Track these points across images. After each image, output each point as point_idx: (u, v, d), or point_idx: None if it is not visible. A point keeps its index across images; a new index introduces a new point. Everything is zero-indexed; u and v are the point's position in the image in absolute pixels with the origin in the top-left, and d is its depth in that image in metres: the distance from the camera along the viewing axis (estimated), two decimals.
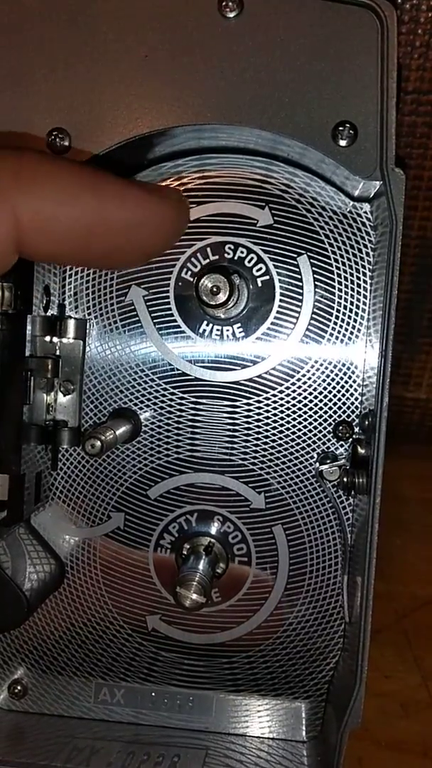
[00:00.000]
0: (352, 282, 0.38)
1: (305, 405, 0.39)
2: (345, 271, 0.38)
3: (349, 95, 0.34)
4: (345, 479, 0.37)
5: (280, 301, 0.38)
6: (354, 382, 0.38)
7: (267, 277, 0.38)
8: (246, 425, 0.39)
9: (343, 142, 0.34)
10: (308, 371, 0.39)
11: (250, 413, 0.39)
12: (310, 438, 0.39)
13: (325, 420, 0.39)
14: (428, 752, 0.44)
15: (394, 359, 0.34)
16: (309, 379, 0.39)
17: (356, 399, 0.39)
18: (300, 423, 0.39)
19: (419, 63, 0.43)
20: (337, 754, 0.36)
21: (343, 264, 0.38)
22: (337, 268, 0.38)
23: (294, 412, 0.39)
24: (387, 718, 0.46)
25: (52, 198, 0.24)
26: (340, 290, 0.38)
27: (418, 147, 0.45)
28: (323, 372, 0.39)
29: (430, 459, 0.57)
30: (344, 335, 0.38)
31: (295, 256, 0.38)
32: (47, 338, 0.38)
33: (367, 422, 0.37)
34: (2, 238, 0.24)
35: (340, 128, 0.34)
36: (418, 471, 0.57)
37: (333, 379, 0.39)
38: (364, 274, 0.38)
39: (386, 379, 0.34)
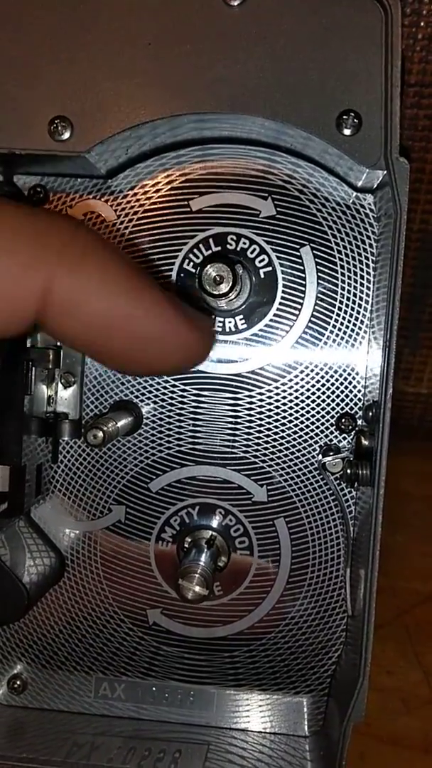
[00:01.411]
0: (355, 273, 0.38)
1: (308, 397, 0.39)
2: (348, 263, 0.38)
3: (354, 84, 0.34)
4: (348, 471, 0.37)
5: (283, 292, 0.38)
6: (357, 374, 0.38)
7: (269, 269, 0.38)
8: (248, 418, 0.39)
9: (347, 131, 0.34)
10: (310, 363, 0.38)
11: (252, 405, 0.39)
12: (312, 430, 0.39)
13: (328, 412, 0.39)
14: (429, 748, 0.44)
15: (396, 353, 0.34)
16: (311, 371, 0.38)
17: (359, 391, 0.38)
18: (302, 415, 0.39)
19: (422, 56, 0.43)
20: (340, 748, 0.35)
21: (346, 255, 0.38)
22: (340, 259, 0.38)
23: (296, 405, 0.39)
24: (388, 714, 0.46)
25: (91, 285, 0.23)
26: (342, 282, 0.38)
27: (420, 140, 0.45)
28: (326, 364, 0.38)
29: (430, 455, 0.57)
30: (347, 327, 0.38)
31: (298, 247, 0.38)
32: None
33: (370, 414, 0.37)
34: (26, 305, 0.23)
35: (345, 117, 0.34)
36: (420, 467, 0.57)
37: (335, 372, 0.38)
38: (367, 266, 0.38)
39: (390, 370, 0.33)
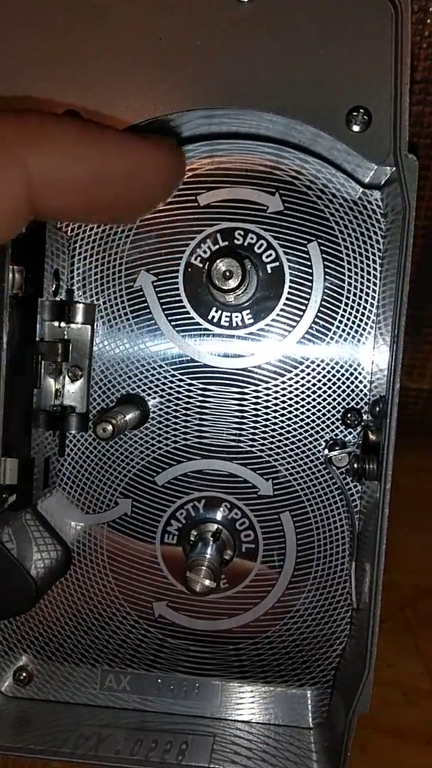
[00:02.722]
0: (361, 269, 0.38)
1: (314, 392, 0.39)
2: (355, 258, 0.38)
3: (363, 80, 0.34)
4: (355, 465, 0.37)
5: (290, 287, 0.38)
6: (363, 369, 0.39)
7: (277, 264, 0.38)
8: (254, 412, 0.39)
9: (356, 128, 0.34)
10: (317, 358, 0.39)
11: (259, 400, 0.39)
12: (318, 425, 0.39)
13: (334, 407, 0.39)
14: (431, 740, 0.44)
15: None
16: (318, 366, 0.39)
17: (365, 386, 0.39)
18: (308, 410, 0.39)
19: (428, 53, 0.44)
20: (345, 740, 0.36)
21: (353, 251, 0.38)
22: (347, 255, 0.38)
23: (303, 399, 0.39)
24: (390, 707, 0.46)
25: (59, 152, 0.25)
26: (349, 277, 0.38)
27: (426, 137, 0.45)
28: (332, 359, 0.39)
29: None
30: (353, 323, 0.38)
31: (305, 242, 0.38)
32: (56, 323, 0.38)
33: (377, 409, 0.37)
34: (18, 195, 0.24)
35: (354, 113, 0.34)
36: (421, 463, 0.57)
37: (342, 367, 0.39)
38: (374, 262, 0.38)
39: (398, 365, 0.34)
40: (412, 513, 0.54)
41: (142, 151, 0.27)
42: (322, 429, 0.39)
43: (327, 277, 0.38)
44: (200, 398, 0.39)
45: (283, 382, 0.39)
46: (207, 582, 0.36)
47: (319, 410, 0.39)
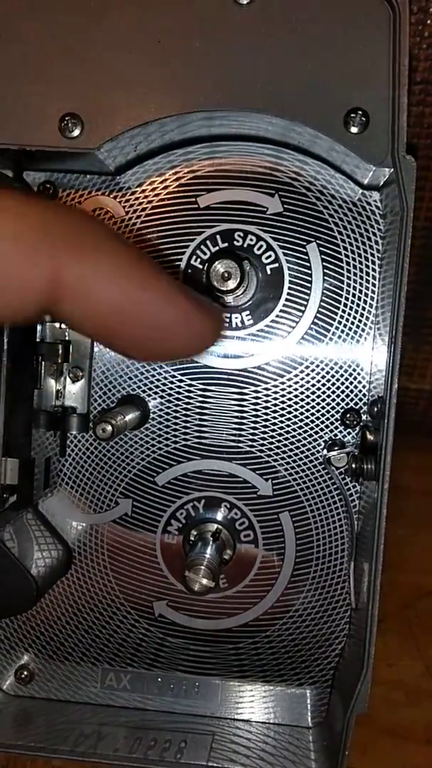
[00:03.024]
0: (360, 270, 0.38)
1: (313, 393, 0.39)
2: (354, 259, 0.38)
3: (361, 82, 0.34)
4: (353, 465, 0.37)
5: (289, 288, 0.39)
6: (362, 370, 0.39)
7: (276, 265, 0.38)
8: (254, 412, 0.39)
9: (354, 129, 0.34)
10: (316, 359, 0.39)
11: (258, 400, 0.39)
12: (317, 425, 0.39)
13: (333, 408, 0.39)
14: (431, 739, 0.44)
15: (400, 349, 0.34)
16: (317, 367, 0.39)
17: (364, 387, 0.39)
18: (307, 410, 0.39)
19: (428, 53, 0.44)
20: (343, 739, 0.36)
21: (352, 252, 0.38)
22: (346, 256, 0.38)
23: (302, 400, 0.39)
24: (391, 707, 0.46)
25: (101, 272, 0.24)
26: (348, 278, 0.38)
27: (426, 137, 0.45)
28: (331, 360, 0.39)
29: None
30: (352, 324, 0.39)
31: (305, 243, 0.38)
32: (57, 324, 0.39)
33: (375, 409, 0.37)
34: (37, 290, 0.23)
35: (352, 115, 0.34)
36: (422, 462, 0.57)
37: (341, 367, 0.39)
38: (373, 263, 0.38)
39: (395, 366, 0.34)
40: (413, 513, 0.54)
41: (186, 311, 0.25)
42: (322, 429, 0.39)
43: (326, 278, 0.38)
44: (200, 399, 0.39)
45: (283, 383, 0.39)
46: (205, 581, 0.36)
47: (318, 410, 0.39)
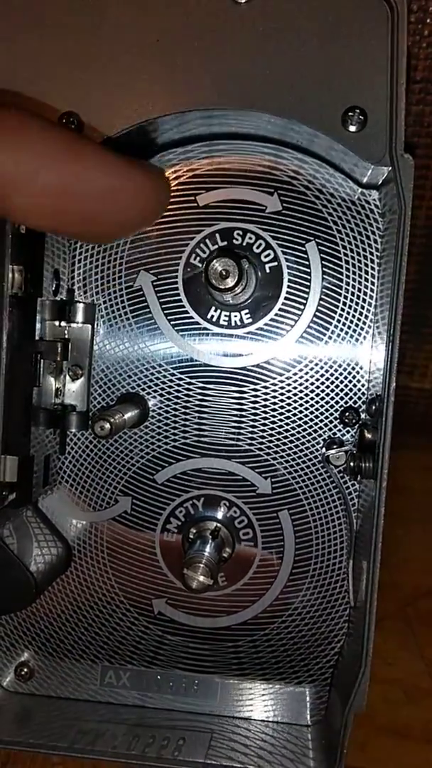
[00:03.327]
0: (359, 269, 0.38)
1: (312, 391, 0.39)
2: (353, 258, 0.38)
3: (359, 81, 0.34)
4: (352, 464, 0.37)
5: (288, 287, 0.39)
6: (361, 368, 0.39)
7: (275, 263, 0.38)
8: (253, 411, 0.39)
9: (352, 128, 0.34)
10: (315, 358, 0.39)
11: (257, 399, 0.39)
12: (316, 424, 0.39)
13: (332, 406, 0.39)
14: (431, 738, 0.44)
15: (400, 349, 0.34)
16: (316, 365, 0.39)
17: (363, 385, 0.39)
18: (306, 409, 0.39)
19: (428, 52, 0.44)
20: (341, 737, 0.36)
21: (351, 251, 0.38)
22: (345, 254, 0.38)
23: (301, 398, 0.39)
24: (390, 705, 0.46)
25: (32, 157, 0.24)
26: (347, 277, 0.38)
27: (426, 136, 0.45)
28: (330, 358, 0.39)
29: None
30: (351, 322, 0.39)
31: (304, 242, 0.38)
32: (56, 322, 0.39)
33: (374, 407, 0.37)
34: None
35: (350, 113, 0.34)
36: (423, 462, 0.57)
37: (340, 366, 0.39)
38: (372, 261, 0.38)
39: (393, 363, 0.34)
40: (414, 513, 0.54)
41: (125, 174, 0.26)
42: (321, 428, 0.39)
43: (325, 276, 0.38)
44: (199, 397, 0.40)
45: (282, 381, 0.39)
46: (203, 579, 0.36)
47: (317, 409, 0.39)
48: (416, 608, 0.52)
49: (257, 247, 0.38)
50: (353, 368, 0.39)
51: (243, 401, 0.39)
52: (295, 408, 0.39)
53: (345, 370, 0.39)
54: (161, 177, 0.28)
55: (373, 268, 0.38)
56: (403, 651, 0.49)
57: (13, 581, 0.36)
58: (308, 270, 0.38)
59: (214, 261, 0.36)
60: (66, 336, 0.39)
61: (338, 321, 0.39)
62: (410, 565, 0.53)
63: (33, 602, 0.38)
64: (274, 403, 0.39)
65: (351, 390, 0.39)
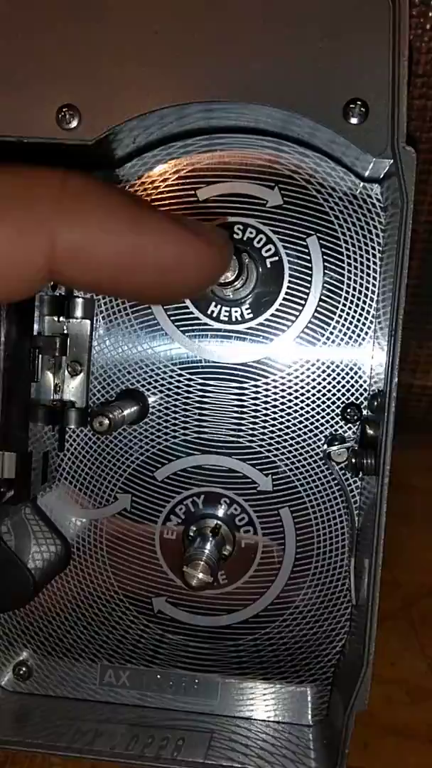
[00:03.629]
0: (361, 263, 0.38)
1: (313, 387, 0.39)
2: (354, 253, 0.38)
3: (361, 73, 0.33)
4: (353, 460, 0.37)
5: (289, 282, 0.38)
6: (362, 364, 0.38)
7: (276, 258, 0.38)
8: (254, 407, 0.39)
9: (354, 120, 0.34)
10: (316, 354, 0.38)
11: (258, 395, 0.39)
12: (317, 420, 0.39)
13: (333, 402, 0.39)
14: None
15: (402, 346, 0.34)
16: (317, 361, 0.38)
17: (364, 381, 0.38)
18: (308, 405, 0.39)
19: (430, 46, 0.43)
20: (343, 737, 0.36)
21: (353, 245, 0.38)
22: (347, 249, 0.38)
23: (302, 394, 0.39)
24: (393, 705, 0.46)
25: (93, 231, 0.23)
26: (349, 272, 0.38)
27: (428, 131, 0.45)
28: (331, 355, 0.38)
29: None
30: (353, 318, 0.38)
31: (305, 237, 0.38)
32: (55, 318, 0.38)
33: (376, 403, 0.37)
34: (36, 266, 0.22)
35: (352, 106, 0.34)
36: (425, 460, 0.57)
37: (341, 362, 0.38)
38: (374, 256, 0.38)
39: (395, 358, 0.33)
40: (417, 511, 0.54)
41: (188, 244, 0.24)
42: (322, 424, 0.39)
43: (326, 271, 0.38)
44: (200, 393, 0.39)
45: (283, 377, 0.39)
46: (203, 576, 0.36)
47: (318, 405, 0.39)
48: (419, 608, 0.51)
49: (258, 242, 0.38)
50: (355, 364, 0.38)
51: (244, 397, 0.39)
52: (296, 404, 0.39)
53: (346, 366, 0.38)
54: (225, 243, 0.26)
55: (375, 263, 0.38)
56: (405, 651, 0.49)
57: (12, 579, 0.35)
58: (309, 265, 0.38)
59: None
60: (65, 331, 0.39)
61: (339, 317, 0.38)
62: (413, 564, 0.53)
63: (31, 600, 0.38)
64: (275, 400, 0.39)
65: (352, 386, 0.38)
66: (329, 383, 0.39)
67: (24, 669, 0.42)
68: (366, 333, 0.38)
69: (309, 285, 0.38)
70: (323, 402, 0.39)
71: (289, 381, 0.39)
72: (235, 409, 0.39)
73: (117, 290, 0.25)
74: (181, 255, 0.24)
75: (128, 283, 0.24)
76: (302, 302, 0.38)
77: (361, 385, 0.38)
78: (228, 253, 0.27)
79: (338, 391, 0.39)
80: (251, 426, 0.39)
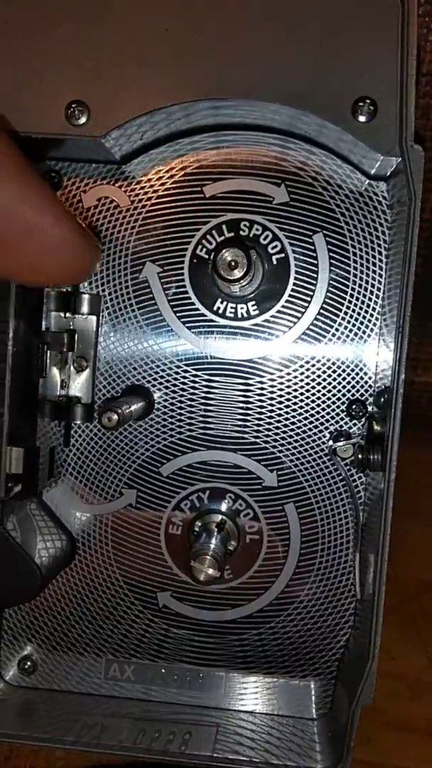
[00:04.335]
0: (367, 261, 0.38)
1: (318, 383, 0.39)
2: (360, 250, 0.38)
3: (369, 71, 0.34)
4: (360, 456, 0.37)
5: (295, 279, 0.38)
6: (368, 361, 0.39)
7: (282, 255, 0.38)
8: (259, 403, 0.39)
9: (362, 118, 0.34)
10: (322, 350, 0.39)
11: (263, 391, 0.39)
12: (323, 416, 0.39)
13: (339, 399, 0.39)
14: None
15: None
16: (323, 357, 0.39)
17: (370, 378, 0.39)
18: (313, 401, 0.39)
19: None
20: (349, 730, 0.36)
21: (359, 242, 0.38)
22: (353, 246, 0.38)
23: (307, 391, 0.39)
24: (394, 700, 0.46)
25: (6, 191, 0.26)
26: (355, 269, 0.38)
27: None
28: (337, 351, 0.39)
29: None
30: (359, 315, 0.38)
31: (311, 234, 0.38)
32: (62, 314, 0.38)
33: (382, 399, 0.37)
34: None
35: (360, 104, 0.34)
36: (426, 457, 0.57)
37: (347, 358, 0.39)
38: (380, 253, 0.38)
39: (403, 355, 0.34)
40: (419, 506, 0.54)
41: (76, 235, 0.28)
42: (327, 420, 0.39)
43: (332, 268, 0.38)
44: (205, 389, 0.39)
45: (288, 374, 0.39)
46: (211, 571, 0.36)
47: (324, 401, 0.39)
48: (420, 603, 0.52)
49: (264, 239, 0.38)
50: (360, 361, 0.39)
51: (249, 394, 0.39)
52: (301, 400, 0.39)
53: (352, 362, 0.39)
54: (97, 249, 0.30)
55: (380, 260, 0.38)
56: (406, 646, 0.49)
57: (20, 573, 0.36)
58: (315, 262, 0.38)
59: (223, 251, 0.36)
60: (71, 327, 0.39)
61: (345, 313, 0.38)
62: (414, 560, 0.53)
63: (38, 595, 0.38)
64: (281, 396, 0.39)
65: (358, 383, 0.39)
66: (334, 379, 0.39)
67: (29, 663, 0.42)
68: (371, 330, 0.38)
69: (315, 282, 0.38)
70: (329, 398, 0.39)
71: (295, 377, 0.39)
72: (241, 405, 0.39)
73: (13, 260, 0.27)
74: (67, 241, 0.27)
75: (16, 253, 0.26)
76: (308, 299, 0.38)
77: (366, 382, 0.39)
78: (95, 260, 0.30)
79: (343, 387, 0.39)
80: (256, 422, 0.39)
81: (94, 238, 0.29)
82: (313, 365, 0.39)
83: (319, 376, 0.39)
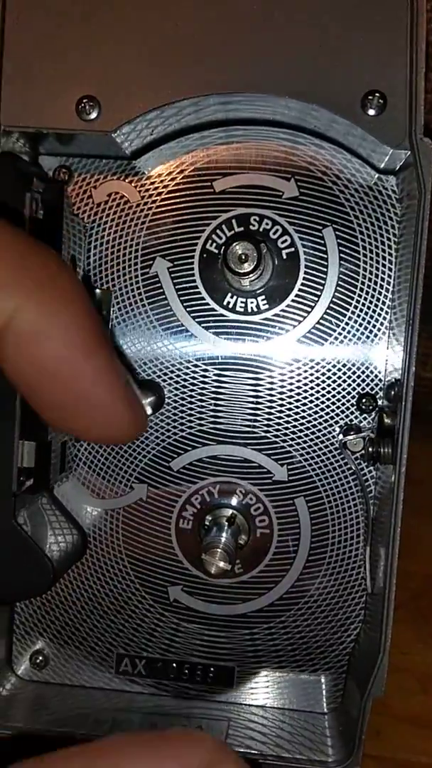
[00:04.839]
0: (376, 255, 0.38)
1: (329, 377, 0.39)
2: (370, 244, 0.38)
3: (379, 64, 0.34)
4: (370, 449, 0.37)
5: (305, 273, 0.38)
6: (378, 354, 0.39)
7: (292, 249, 0.38)
8: (269, 398, 0.39)
9: (372, 112, 0.34)
10: (332, 344, 0.39)
11: (273, 385, 0.39)
12: (333, 410, 0.39)
13: (349, 392, 0.39)
14: None
15: None
16: (332, 351, 0.39)
17: (380, 371, 0.39)
18: (323, 395, 0.39)
19: None
20: (360, 724, 0.36)
21: (368, 236, 0.38)
22: (362, 240, 0.38)
23: (317, 385, 0.39)
24: (404, 694, 0.46)
25: (54, 328, 0.22)
26: (364, 263, 0.38)
27: None
28: (347, 345, 0.39)
29: None
30: (368, 308, 0.39)
31: (321, 228, 0.38)
32: None
33: (392, 392, 0.37)
34: None
35: (370, 97, 0.34)
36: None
37: (357, 352, 0.39)
38: (389, 247, 0.38)
39: (413, 347, 0.34)
40: (428, 502, 0.54)
41: (117, 398, 0.23)
42: (337, 414, 0.39)
43: (342, 262, 0.38)
44: (215, 384, 0.39)
45: (298, 368, 0.39)
46: (222, 564, 0.36)
47: (334, 395, 0.39)
48: (429, 599, 0.51)
49: (274, 233, 0.38)
50: (370, 355, 0.39)
51: (259, 388, 0.39)
52: (311, 394, 0.39)
53: (362, 356, 0.39)
54: (143, 413, 0.25)
55: (390, 254, 0.38)
56: (416, 640, 0.49)
57: (31, 567, 0.36)
58: (325, 256, 0.38)
59: (234, 244, 0.36)
60: None
61: (355, 307, 0.39)
62: (423, 555, 0.53)
63: (50, 589, 0.38)
64: (291, 390, 0.39)
65: (368, 376, 0.39)
66: (344, 373, 0.39)
67: (40, 658, 0.42)
68: (381, 324, 0.39)
69: (324, 276, 0.38)
70: (339, 392, 0.39)
71: (305, 371, 0.39)
72: (251, 399, 0.39)
73: (37, 394, 0.23)
74: (105, 398, 0.23)
75: (52, 394, 0.23)
76: (318, 293, 0.39)
77: (376, 376, 0.39)
78: (142, 422, 0.25)
79: (353, 381, 0.39)
80: (266, 416, 0.39)
81: (140, 403, 0.25)
82: (323, 359, 0.39)
83: (329, 370, 0.39)
